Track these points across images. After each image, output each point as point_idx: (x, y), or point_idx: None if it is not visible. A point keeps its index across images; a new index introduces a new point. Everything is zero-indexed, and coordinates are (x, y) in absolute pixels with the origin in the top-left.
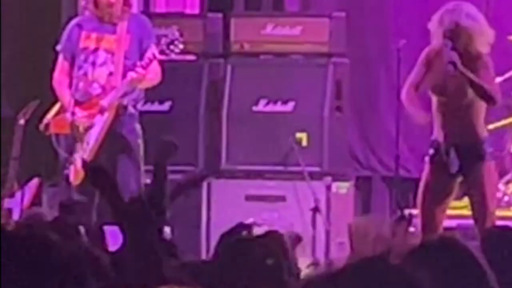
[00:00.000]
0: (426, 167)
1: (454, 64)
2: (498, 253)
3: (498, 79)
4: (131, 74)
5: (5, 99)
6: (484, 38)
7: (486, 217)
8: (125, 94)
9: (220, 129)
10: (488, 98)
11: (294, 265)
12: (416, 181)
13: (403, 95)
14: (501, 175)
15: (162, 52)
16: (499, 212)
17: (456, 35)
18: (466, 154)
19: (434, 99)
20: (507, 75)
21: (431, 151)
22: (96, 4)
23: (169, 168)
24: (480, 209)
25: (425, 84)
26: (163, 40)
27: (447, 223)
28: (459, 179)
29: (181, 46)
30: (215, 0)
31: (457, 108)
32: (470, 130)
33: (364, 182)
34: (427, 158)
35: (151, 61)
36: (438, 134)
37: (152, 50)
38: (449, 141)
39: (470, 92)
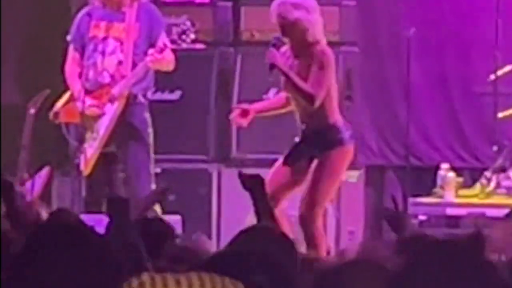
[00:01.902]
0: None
1: (273, 65)
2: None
3: (508, 68)
4: (147, 59)
5: (16, 88)
6: (315, 27)
7: (313, 205)
8: (135, 83)
9: (230, 117)
10: (306, 100)
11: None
12: (428, 169)
13: None
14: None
15: (173, 42)
16: (509, 200)
17: (287, 29)
18: (321, 141)
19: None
20: None
21: (298, 139)
22: None
23: (181, 157)
24: (311, 194)
25: None
26: (175, 30)
27: (457, 211)
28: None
29: (192, 36)
30: None
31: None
32: (321, 119)
33: (374, 171)
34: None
35: (163, 49)
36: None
37: (163, 39)
38: (306, 129)
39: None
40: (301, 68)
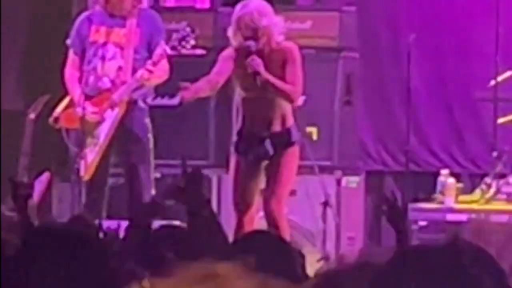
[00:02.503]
0: (233, 157)
1: (258, 72)
2: (411, 273)
3: (508, 73)
4: (141, 71)
5: (16, 93)
6: (278, 29)
7: (274, 194)
8: (135, 89)
9: (230, 123)
10: (288, 99)
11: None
12: (427, 175)
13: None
14: (511, 169)
15: (173, 48)
16: (509, 206)
17: (256, 35)
18: (275, 142)
19: (240, 92)
20: None
21: (235, 139)
22: None
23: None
24: (271, 185)
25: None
26: (175, 36)
27: (457, 217)
28: (264, 163)
29: (192, 42)
30: None
31: (262, 102)
32: (276, 120)
33: (374, 176)
34: (232, 148)
35: (161, 58)
36: (244, 124)
37: (162, 47)
38: (258, 130)
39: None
40: (271, 70)
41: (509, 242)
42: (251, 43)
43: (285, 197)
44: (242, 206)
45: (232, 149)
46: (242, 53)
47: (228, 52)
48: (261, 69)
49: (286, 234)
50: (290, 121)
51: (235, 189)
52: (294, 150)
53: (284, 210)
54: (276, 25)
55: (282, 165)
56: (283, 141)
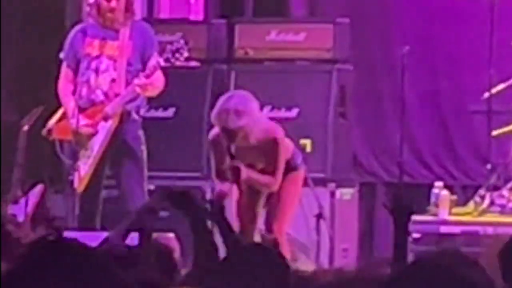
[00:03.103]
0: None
1: (237, 172)
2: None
3: (502, 86)
4: (135, 83)
5: (9, 105)
6: (259, 126)
7: (278, 215)
8: (129, 101)
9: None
10: (266, 188)
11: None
12: (420, 187)
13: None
14: (505, 181)
15: (167, 60)
16: (504, 219)
17: (232, 135)
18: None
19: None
20: (510, 81)
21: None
22: (98, 11)
23: (174, 174)
24: (274, 206)
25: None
26: (168, 48)
27: (451, 229)
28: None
29: (186, 54)
30: (224, 6)
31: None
32: None
33: (368, 188)
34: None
35: (154, 70)
36: None
37: (156, 59)
38: None
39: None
40: (252, 159)
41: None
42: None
43: (287, 221)
44: (248, 227)
45: None
46: (222, 139)
47: (214, 133)
48: (242, 172)
49: (286, 254)
50: (291, 148)
51: (239, 212)
52: (297, 175)
53: (285, 230)
54: (255, 123)
55: (287, 190)
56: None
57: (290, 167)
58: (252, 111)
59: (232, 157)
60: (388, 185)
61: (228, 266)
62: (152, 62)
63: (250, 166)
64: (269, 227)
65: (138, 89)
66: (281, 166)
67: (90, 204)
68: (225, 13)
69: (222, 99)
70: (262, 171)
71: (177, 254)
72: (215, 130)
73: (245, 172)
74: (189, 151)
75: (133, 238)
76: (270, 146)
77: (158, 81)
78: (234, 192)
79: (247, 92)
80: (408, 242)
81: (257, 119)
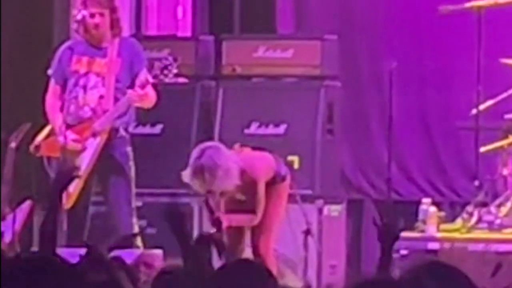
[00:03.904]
0: None
1: (219, 224)
2: None
3: (490, 102)
4: (129, 94)
5: None
6: (234, 173)
7: (264, 229)
8: (117, 118)
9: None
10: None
11: None
12: (408, 203)
13: None
14: (493, 197)
15: (155, 77)
16: (492, 235)
17: (211, 189)
18: None
19: None
20: (499, 98)
21: None
22: (85, 28)
23: (162, 191)
24: (260, 226)
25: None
26: (157, 65)
27: (438, 246)
28: None
29: (175, 71)
30: (211, 23)
31: None
32: None
33: (356, 205)
34: None
35: (146, 83)
36: None
37: (145, 74)
38: None
39: None
40: (231, 202)
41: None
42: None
43: (273, 234)
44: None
45: None
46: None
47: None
48: (224, 223)
49: (273, 269)
50: (271, 171)
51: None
52: (280, 187)
53: (271, 245)
54: (231, 171)
55: (272, 202)
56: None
57: (274, 181)
58: (224, 163)
59: (212, 211)
60: (376, 202)
61: (217, 282)
62: (141, 77)
63: (232, 204)
64: (255, 243)
65: (133, 100)
66: (262, 202)
67: (78, 220)
68: (213, 30)
69: (194, 154)
70: (243, 203)
71: None
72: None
73: (226, 222)
74: (177, 168)
75: None
76: (249, 187)
77: (151, 93)
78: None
79: (213, 143)
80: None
81: (231, 169)
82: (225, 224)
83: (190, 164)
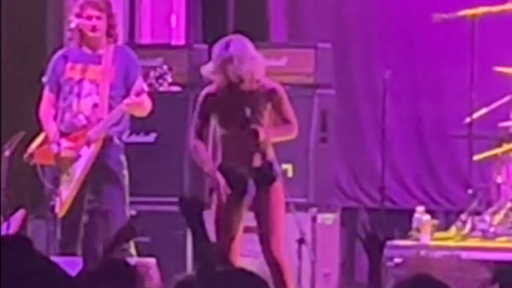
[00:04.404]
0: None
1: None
2: None
3: (484, 110)
4: (125, 102)
5: None
6: (260, 69)
7: (271, 234)
8: (111, 126)
9: None
10: (288, 137)
11: None
12: (402, 212)
13: (192, 142)
14: (487, 206)
15: (150, 85)
16: (485, 243)
17: (238, 80)
18: (257, 177)
19: (218, 130)
20: (492, 106)
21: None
22: (81, 35)
23: (156, 199)
24: (265, 226)
25: (209, 124)
26: (152, 74)
27: (432, 254)
28: (248, 200)
29: (170, 80)
30: (205, 31)
31: (243, 138)
32: (256, 155)
33: (349, 213)
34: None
35: (142, 91)
36: (224, 160)
37: (140, 83)
38: (237, 165)
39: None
40: (256, 108)
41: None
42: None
43: (282, 237)
44: (225, 240)
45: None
46: (224, 91)
47: (209, 91)
48: (261, 135)
49: (291, 277)
50: (271, 155)
51: (217, 225)
52: (279, 186)
53: (284, 252)
54: (258, 65)
55: (272, 204)
56: (266, 175)
57: (272, 176)
58: (253, 54)
59: (247, 120)
60: (370, 211)
61: None
62: (137, 85)
63: (260, 114)
64: (268, 249)
65: (128, 107)
66: (291, 110)
67: (72, 229)
68: (206, 38)
69: (219, 47)
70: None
71: (157, 280)
72: (208, 89)
73: (263, 134)
74: (171, 176)
75: None
76: (275, 95)
77: (147, 102)
78: (213, 204)
79: (241, 36)
80: (382, 270)
81: (258, 63)
82: (262, 138)
83: (216, 57)
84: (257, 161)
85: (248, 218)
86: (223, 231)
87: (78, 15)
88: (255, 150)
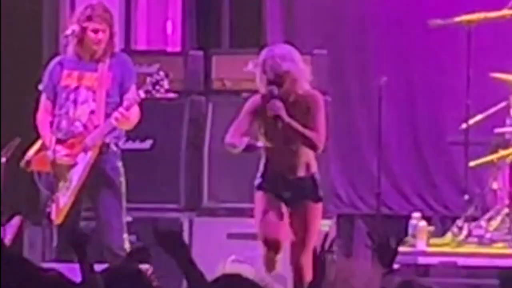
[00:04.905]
0: (257, 194)
1: (279, 116)
2: None
3: (480, 117)
4: (114, 116)
5: None
6: (303, 76)
7: (303, 246)
8: (108, 132)
9: (201, 166)
10: (311, 146)
11: None
12: (398, 218)
13: (229, 139)
14: (483, 212)
15: (147, 92)
16: (482, 249)
17: (279, 81)
18: (300, 187)
19: (261, 139)
20: (488, 112)
21: (259, 180)
22: (80, 42)
23: (152, 206)
24: (300, 236)
25: (252, 130)
26: (149, 80)
27: (428, 260)
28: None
29: (166, 87)
30: (201, 37)
31: (286, 151)
32: (300, 167)
33: (346, 220)
34: (256, 186)
35: (133, 102)
36: (267, 168)
37: (133, 92)
38: (282, 173)
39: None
40: (294, 116)
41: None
42: (273, 87)
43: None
44: (271, 241)
45: (256, 187)
46: (266, 99)
47: (255, 99)
48: (282, 113)
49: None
50: (314, 168)
51: (262, 225)
52: (320, 206)
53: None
54: (301, 71)
55: (310, 217)
56: (308, 187)
57: (315, 190)
58: (296, 57)
59: (274, 96)
60: (366, 217)
61: None
62: (130, 95)
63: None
64: (296, 259)
65: (114, 122)
66: (323, 126)
67: (68, 235)
68: (202, 45)
69: (265, 51)
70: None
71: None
72: (257, 97)
73: (285, 114)
74: (167, 183)
75: None
76: (312, 104)
77: (134, 115)
78: (257, 206)
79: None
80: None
81: (301, 69)
82: (283, 122)
83: (260, 56)
84: (301, 172)
85: (247, 225)
86: (268, 231)
87: (84, 26)
88: (298, 164)
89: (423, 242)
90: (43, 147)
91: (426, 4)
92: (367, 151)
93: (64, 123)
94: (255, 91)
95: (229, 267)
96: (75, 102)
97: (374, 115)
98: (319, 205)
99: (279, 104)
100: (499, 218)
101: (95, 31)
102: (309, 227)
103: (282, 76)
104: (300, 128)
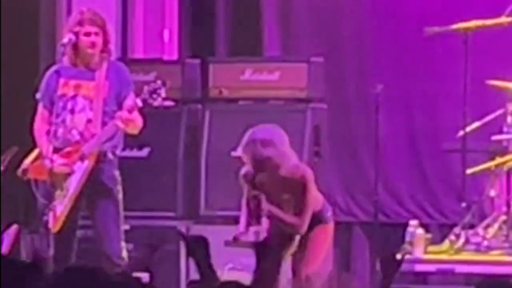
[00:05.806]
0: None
1: (258, 202)
2: None
3: (477, 124)
4: (117, 118)
5: None
6: (288, 159)
7: (305, 264)
8: (105, 141)
9: (198, 175)
10: (293, 230)
11: None
12: (395, 226)
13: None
14: (481, 219)
15: (144, 100)
16: (479, 257)
17: (261, 166)
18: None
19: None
20: (485, 119)
21: None
22: (75, 49)
23: (149, 214)
24: (305, 258)
25: None
26: (146, 89)
27: (426, 267)
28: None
29: (163, 95)
30: (198, 46)
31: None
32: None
33: (343, 227)
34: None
35: (133, 108)
36: None
37: (132, 99)
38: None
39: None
40: (278, 197)
41: None
42: (256, 193)
43: (314, 272)
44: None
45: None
46: (255, 175)
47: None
48: (263, 203)
49: None
50: (319, 199)
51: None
52: (325, 228)
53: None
54: (283, 155)
55: (312, 244)
56: (314, 219)
57: (318, 220)
58: (279, 141)
59: (254, 186)
60: (364, 225)
61: None
62: (129, 101)
63: (276, 204)
64: (297, 274)
65: (120, 124)
66: (309, 208)
67: (65, 244)
68: (199, 53)
69: (248, 133)
70: (289, 204)
71: None
72: (246, 168)
73: (266, 204)
74: (164, 191)
75: None
76: (298, 186)
77: (138, 119)
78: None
79: (276, 125)
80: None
81: (286, 153)
82: (264, 207)
83: (245, 136)
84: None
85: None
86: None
87: (76, 32)
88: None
89: (421, 250)
90: (40, 156)
91: (424, 11)
92: (364, 158)
93: (61, 132)
94: (252, 99)
95: (227, 275)
96: (72, 110)
97: (371, 123)
98: (326, 228)
99: (260, 196)
100: (496, 226)
101: (87, 34)
102: (315, 252)
103: (263, 161)
104: (281, 214)
